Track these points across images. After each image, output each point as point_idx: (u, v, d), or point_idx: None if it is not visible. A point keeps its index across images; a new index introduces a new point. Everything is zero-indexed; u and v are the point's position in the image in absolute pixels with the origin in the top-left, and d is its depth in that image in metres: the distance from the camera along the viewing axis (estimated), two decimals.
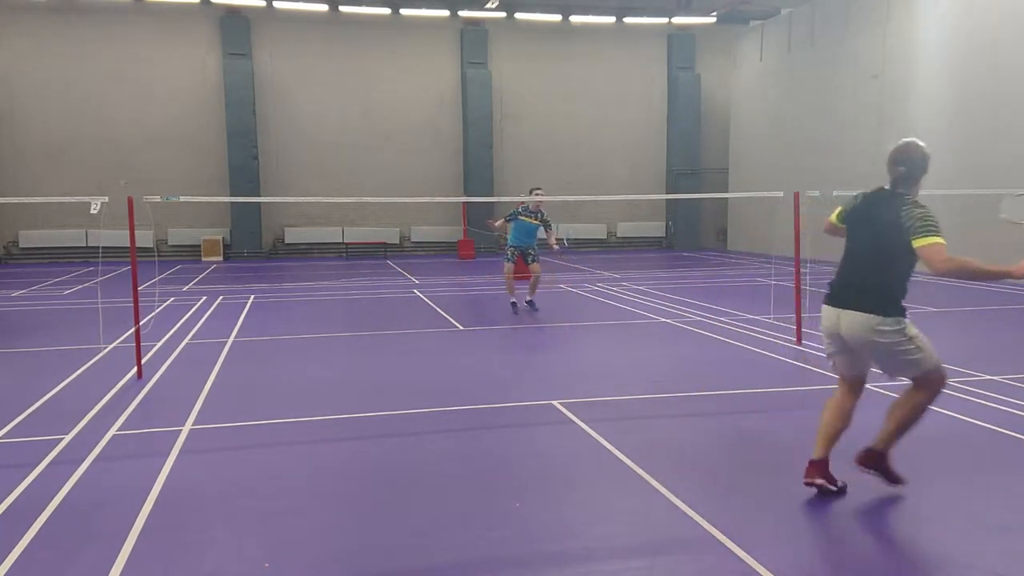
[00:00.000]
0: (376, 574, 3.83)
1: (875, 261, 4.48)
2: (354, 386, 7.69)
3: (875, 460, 4.67)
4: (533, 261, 12.23)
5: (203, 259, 24.66)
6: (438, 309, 12.80)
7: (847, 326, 4.48)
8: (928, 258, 4.30)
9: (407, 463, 5.26)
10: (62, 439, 5.86)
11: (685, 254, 25.60)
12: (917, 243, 4.31)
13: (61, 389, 7.49)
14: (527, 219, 12.10)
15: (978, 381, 7.34)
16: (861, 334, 4.43)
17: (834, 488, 4.57)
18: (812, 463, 4.60)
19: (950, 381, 7.29)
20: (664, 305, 12.88)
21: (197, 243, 25.15)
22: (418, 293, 15.11)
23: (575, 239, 10.21)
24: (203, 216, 25.41)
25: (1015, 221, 5.04)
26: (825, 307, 4.65)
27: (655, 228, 28.93)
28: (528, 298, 12.30)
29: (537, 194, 11.97)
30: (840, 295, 4.57)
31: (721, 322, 11.03)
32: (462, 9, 26.10)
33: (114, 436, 5.96)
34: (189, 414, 6.55)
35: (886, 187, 4.60)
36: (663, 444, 5.69)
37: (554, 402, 6.74)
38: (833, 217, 4.81)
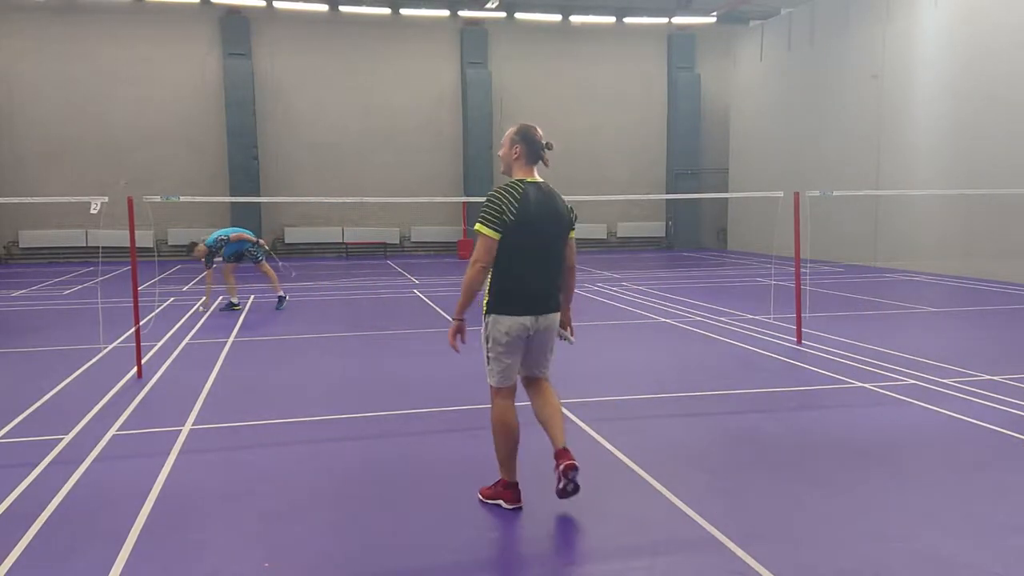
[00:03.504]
0: (376, 574, 3.83)
1: (559, 258, 4.45)
2: (354, 386, 7.69)
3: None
4: (259, 259, 13.10)
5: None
6: (438, 309, 12.81)
7: (546, 326, 4.41)
8: (573, 250, 4.54)
9: (407, 463, 5.26)
10: (62, 439, 5.86)
11: (685, 254, 25.61)
12: (572, 235, 4.53)
13: (61, 389, 7.49)
14: (220, 252, 12.89)
15: (978, 381, 7.34)
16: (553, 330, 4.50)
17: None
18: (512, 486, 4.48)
19: (951, 381, 7.32)
20: (664, 305, 12.88)
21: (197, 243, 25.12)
22: (418, 293, 15.11)
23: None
24: (203, 216, 25.40)
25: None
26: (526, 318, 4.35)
27: (655, 228, 28.93)
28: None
29: (195, 253, 12.87)
30: (545, 302, 4.38)
31: (721, 322, 11.03)
32: (462, 9, 26.10)
33: (114, 436, 5.96)
34: (189, 414, 6.55)
35: (539, 179, 4.44)
36: (663, 444, 5.69)
37: None
38: (493, 232, 4.22)
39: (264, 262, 13.10)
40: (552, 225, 4.37)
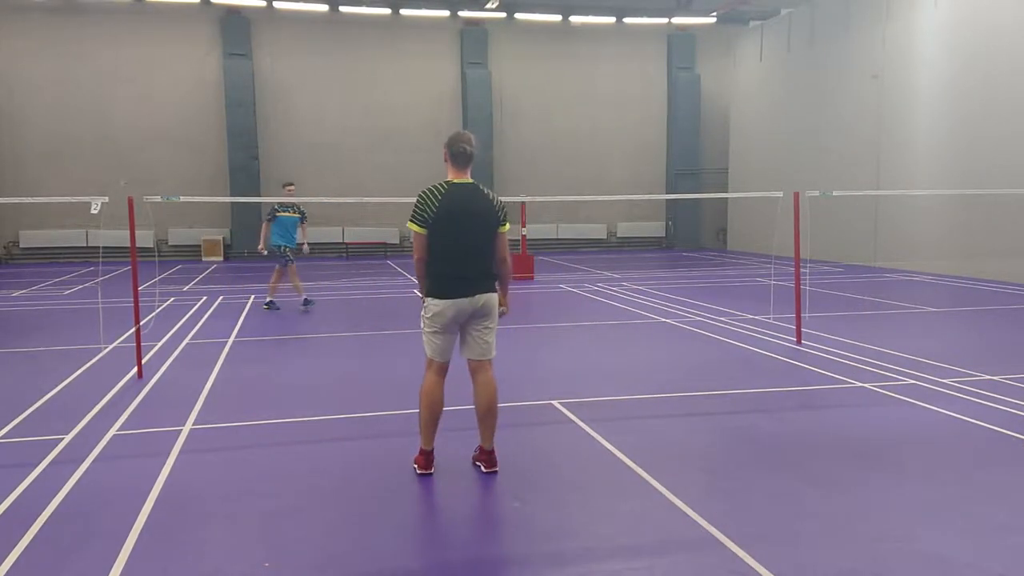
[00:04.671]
0: (375, 574, 3.83)
1: (485, 248, 4.97)
2: (354, 386, 7.69)
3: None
4: (290, 262, 12.90)
5: (203, 259, 24.66)
6: None
7: (479, 306, 4.94)
8: (504, 245, 5.04)
9: (407, 463, 5.26)
10: (62, 439, 5.86)
11: (685, 254, 25.61)
12: (503, 230, 5.03)
13: (61, 389, 7.49)
14: (286, 213, 12.75)
15: (978, 381, 7.34)
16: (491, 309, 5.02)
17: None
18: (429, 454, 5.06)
19: (951, 381, 7.33)
20: (664, 305, 12.88)
21: (197, 243, 25.16)
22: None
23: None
24: (203, 216, 25.41)
25: None
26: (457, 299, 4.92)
27: (655, 228, 28.93)
28: (303, 297, 13.02)
29: (290, 190, 12.84)
30: (473, 285, 4.90)
31: (721, 322, 11.03)
32: (462, 9, 26.11)
33: (114, 436, 5.96)
34: (189, 414, 6.55)
35: (467, 180, 4.99)
36: (663, 444, 5.69)
37: (554, 402, 6.74)
38: (417, 227, 4.91)
39: (286, 268, 12.88)
40: (474, 220, 4.89)
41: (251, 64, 25.11)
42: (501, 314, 5.17)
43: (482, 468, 5.06)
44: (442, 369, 5.04)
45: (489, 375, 5.05)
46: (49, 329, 11.32)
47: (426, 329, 5.00)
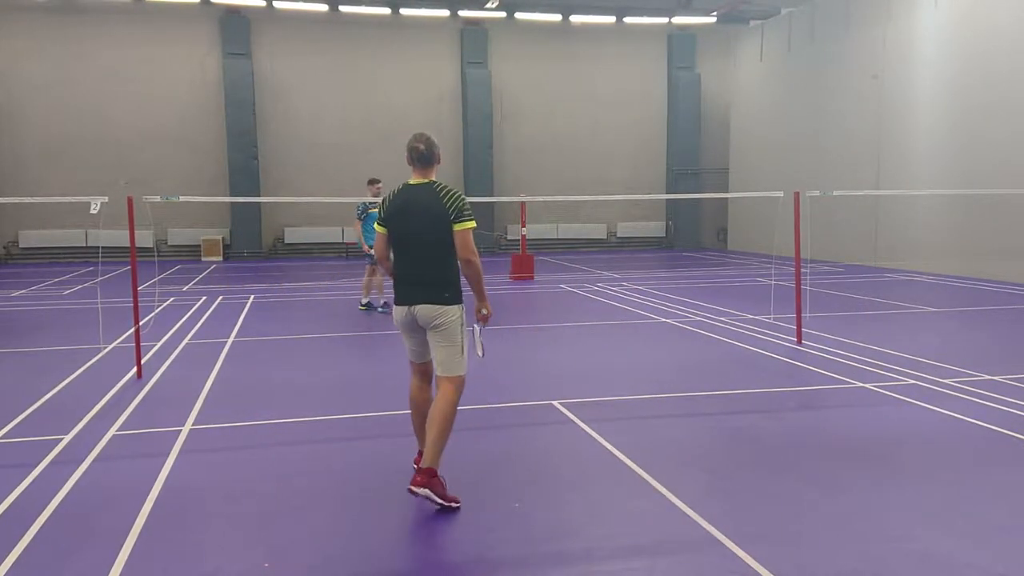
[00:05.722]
0: (375, 574, 3.83)
1: (431, 250, 4.69)
2: (354, 386, 7.69)
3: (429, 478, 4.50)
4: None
5: (203, 259, 24.66)
6: None
7: (421, 316, 4.67)
8: (463, 244, 4.62)
9: (407, 463, 5.26)
10: (62, 439, 5.86)
11: (685, 254, 25.60)
12: (460, 227, 4.61)
13: (61, 389, 7.49)
14: (375, 210, 12.51)
15: (978, 381, 7.34)
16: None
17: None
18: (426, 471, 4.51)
19: (951, 381, 7.32)
20: (664, 305, 12.88)
21: (197, 243, 25.15)
22: None
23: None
24: (203, 216, 25.40)
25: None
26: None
27: (655, 228, 28.93)
28: (377, 299, 12.76)
29: (379, 187, 12.73)
30: (414, 292, 4.70)
31: (721, 322, 11.03)
32: (462, 9, 26.10)
33: (114, 436, 5.96)
34: (189, 414, 6.55)
35: (422, 181, 4.75)
36: (663, 444, 5.69)
37: (554, 402, 6.74)
38: (378, 227, 4.85)
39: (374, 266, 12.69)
40: (416, 219, 4.65)
41: (251, 64, 25.10)
42: (482, 317, 4.79)
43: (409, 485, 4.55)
44: (420, 371, 4.94)
45: (444, 388, 4.63)
46: (49, 329, 11.32)
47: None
